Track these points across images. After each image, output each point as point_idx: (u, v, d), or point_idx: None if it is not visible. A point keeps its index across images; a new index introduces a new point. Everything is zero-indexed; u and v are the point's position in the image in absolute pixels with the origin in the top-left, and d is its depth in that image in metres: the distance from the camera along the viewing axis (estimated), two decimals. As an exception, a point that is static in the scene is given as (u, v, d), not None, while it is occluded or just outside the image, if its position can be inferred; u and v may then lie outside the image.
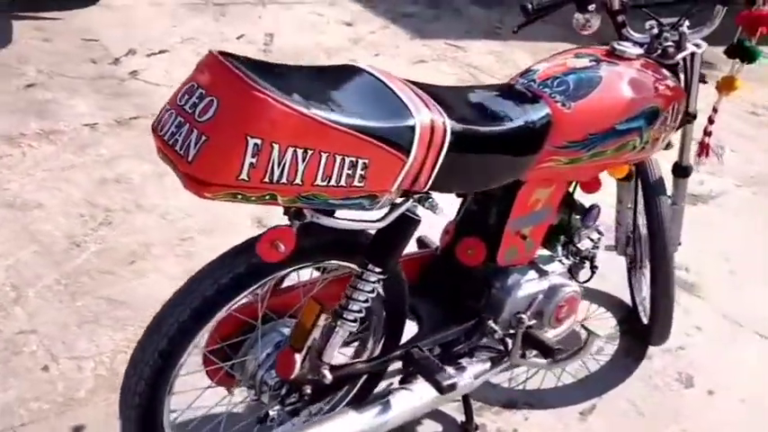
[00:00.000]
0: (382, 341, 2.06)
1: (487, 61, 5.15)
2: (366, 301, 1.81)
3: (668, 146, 2.35)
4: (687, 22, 2.21)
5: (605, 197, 2.44)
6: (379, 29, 5.40)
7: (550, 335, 2.27)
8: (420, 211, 1.76)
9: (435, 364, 1.96)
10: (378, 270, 1.79)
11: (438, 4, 6.01)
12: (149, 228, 3.02)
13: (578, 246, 2.29)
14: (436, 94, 1.71)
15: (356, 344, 2.10)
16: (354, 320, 1.81)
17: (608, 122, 1.98)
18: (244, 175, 1.39)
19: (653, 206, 2.51)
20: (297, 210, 1.58)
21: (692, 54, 2.24)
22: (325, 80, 1.62)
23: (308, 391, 1.83)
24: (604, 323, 2.86)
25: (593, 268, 2.35)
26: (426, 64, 4.97)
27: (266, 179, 1.41)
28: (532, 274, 2.20)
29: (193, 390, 1.90)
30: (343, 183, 1.50)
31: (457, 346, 2.13)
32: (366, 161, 1.50)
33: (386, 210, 1.70)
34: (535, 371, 2.56)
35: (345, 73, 1.67)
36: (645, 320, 2.78)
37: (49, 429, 2.14)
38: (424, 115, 1.59)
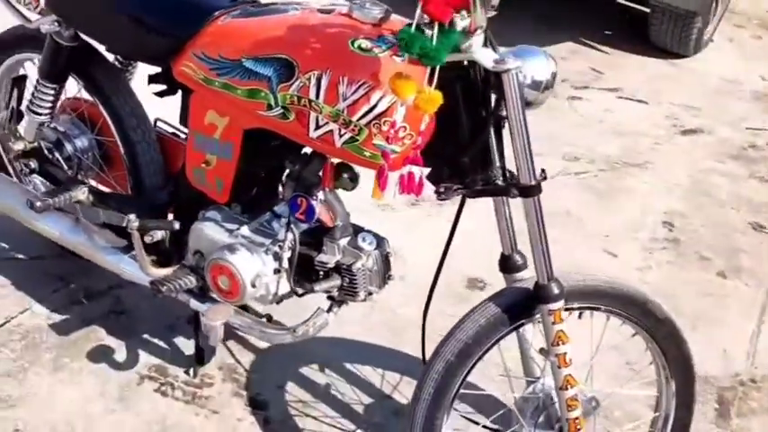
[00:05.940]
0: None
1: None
2: (45, 103, 2.17)
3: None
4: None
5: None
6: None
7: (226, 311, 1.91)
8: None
9: (57, 198, 2.06)
10: (43, 77, 2.14)
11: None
12: None
13: (325, 251, 1.83)
14: None
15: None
16: (36, 114, 2.20)
17: (237, 51, 1.76)
18: None
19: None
20: None
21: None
22: None
23: (32, 163, 2.21)
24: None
25: (328, 294, 1.89)
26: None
27: None
28: (220, 219, 1.93)
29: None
30: None
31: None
32: None
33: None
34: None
35: None
36: None
37: None
38: None
